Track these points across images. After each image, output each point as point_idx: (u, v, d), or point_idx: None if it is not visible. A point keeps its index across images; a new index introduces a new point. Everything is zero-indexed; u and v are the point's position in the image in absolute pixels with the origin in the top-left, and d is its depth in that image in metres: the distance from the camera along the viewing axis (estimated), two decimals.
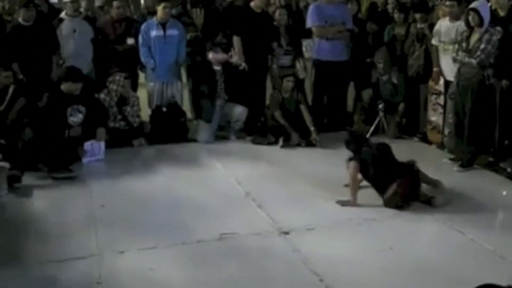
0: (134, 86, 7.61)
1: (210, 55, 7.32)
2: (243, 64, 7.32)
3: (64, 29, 7.20)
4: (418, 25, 7.20)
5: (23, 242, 4.39)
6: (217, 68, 7.33)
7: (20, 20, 6.88)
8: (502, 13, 6.29)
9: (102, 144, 6.40)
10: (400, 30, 7.66)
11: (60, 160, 5.95)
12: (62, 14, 7.38)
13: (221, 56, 7.33)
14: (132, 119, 7.01)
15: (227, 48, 7.49)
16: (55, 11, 7.94)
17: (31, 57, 6.81)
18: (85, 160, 6.28)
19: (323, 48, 7.53)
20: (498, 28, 5.98)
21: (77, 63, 6.80)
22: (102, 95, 6.87)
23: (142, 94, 7.60)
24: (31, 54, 6.80)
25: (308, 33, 7.68)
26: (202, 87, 7.31)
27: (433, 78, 6.97)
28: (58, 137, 6.20)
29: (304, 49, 7.77)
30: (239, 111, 7.36)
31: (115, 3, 7.57)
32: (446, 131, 6.69)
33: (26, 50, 6.77)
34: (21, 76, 6.69)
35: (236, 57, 7.34)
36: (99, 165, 6.28)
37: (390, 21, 7.88)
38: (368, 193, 5.34)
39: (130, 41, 7.48)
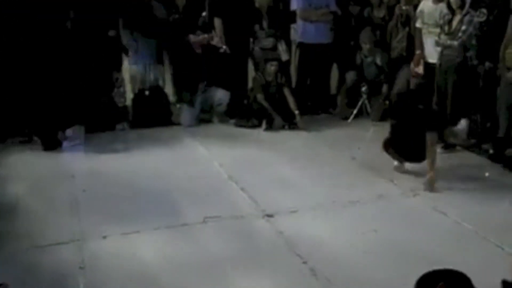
0: (119, 70, 7.50)
1: (191, 38, 7.26)
2: (224, 47, 7.28)
3: None
4: (403, 7, 7.18)
5: (4, 227, 4.34)
6: (198, 51, 7.27)
7: None
8: None
9: (82, 128, 6.35)
10: (377, 13, 7.64)
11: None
12: None
13: (201, 38, 7.27)
14: (118, 99, 6.96)
15: (208, 30, 7.44)
16: None
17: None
18: (65, 144, 6.22)
19: (308, 30, 7.50)
20: (484, 10, 6.00)
21: None
22: None
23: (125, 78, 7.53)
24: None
25: (292, 16, 7.64)
26: (183, 70, 7.25)
27: (414, 61, 6.97)
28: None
29: (292, 32, 7.75)
30: (221, 95, 7.32)
31: None
32: None
33: None
34: None
35: (217, 39, 7.29)
36: (81, 150, 6.22)
37: (369, 2, 7.85)
38: (353, 175, 5.37)
39: (111, 33, 7.31)
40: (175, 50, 7.53)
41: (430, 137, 5.07)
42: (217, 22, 7.35)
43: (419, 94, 5.50)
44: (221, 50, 7.28)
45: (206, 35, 7.30)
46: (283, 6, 7.91)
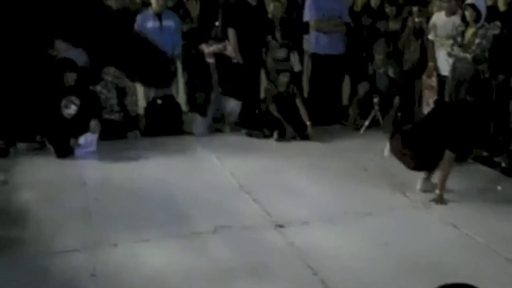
0: (133, 79, 7.54)
1: (204, 49, 7.30)
2: (236, 56, 7.30)
3: None
4: (416, 19, 7.19)
5: (16, 234, 4.36)
6: (210, 61, 7.31)
7: None
8: (502, 8, 6.29)
9: (95, 136, 6.38)
10: (393, 25, 7.66)
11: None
12: None
13: (214, 47, 7.31)
14: (130, 108, 7.00)
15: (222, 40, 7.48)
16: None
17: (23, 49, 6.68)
18: (78, 152, 6.25)
19: (321, 41, 7.53)
20: (498, 23, 6.01)
21: (72, 55, 6.73)
22: (98, 87, 6.85)
23: (137, 86, 7.56)
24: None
25: (305, 27, 7.67)
26: (196, 80, 7.29)
27: (427, 72, 6.98)
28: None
29: (305, 43, 7.78)
30: (233, 105, 7.35)
31: None
32: None
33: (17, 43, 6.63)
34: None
35: (230, 48, 7.32)
36: (93, 157, 6.25)
37: (385, 15, 7.87)
38: (365, 187, 5.36)
39: None
40: (189, 59, 7.57)
41: (449, 155, 4.95)
42: (231, 32, 7.38)
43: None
44: (234, 60, 7.31)
45: (220, 45, 7.34)
46: (296, 17, 7.94)
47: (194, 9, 7.98)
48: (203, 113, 7.24)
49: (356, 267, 3.92)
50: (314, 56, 7.66)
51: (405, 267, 3.91)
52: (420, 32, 7.14)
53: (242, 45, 7.37)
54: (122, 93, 6.97)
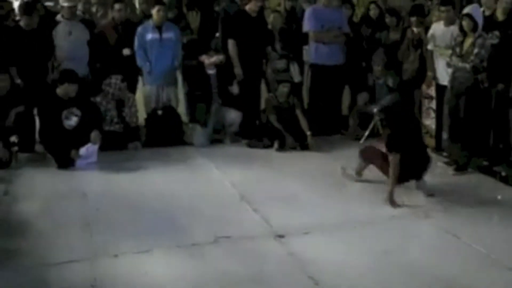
0: (133, 90, 7.58)
1: (205, 60, 7.34)
2: (237, 69, 7.34)
3: (60, 31, 7.15)
4: (415, 30, 7.21)
5: (16, 244, 4.37)
6: (211, 72, 7.34)
7: (21, 24, 6.82)
8: (501, 18, 6.32)
9: (96, 147, 6.39)
10: (393, 35, 7.69)
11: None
12: (58, 17, 7.36)
13: (215, 58, 7.35)
14: (130, 119, 7.03)
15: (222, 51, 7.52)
16: (51, 14, 7.90)
17: (29, 62, 6.72)
18: (78, 163, 6.26)
19: (320, 52, 7.55)
20: (496, 32, 6.04)
21: (72, 66, 6.77)
22: (98, 99, 6.88)
23: (138, 97, 7.59)
24: (29, 58, 6.71)
25: (304, 37, 7.70)
26: (196, 91, 7.32)
27: (426, 82, 7.00)
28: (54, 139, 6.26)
29: (305, 53, 7.81)
30: (233, 116, 7.38)
31: (116, 6, 7.43)
32: (445, 136, 6.69)
33: (24, 55, 6.69)
34: (18, 81, 6.63)
35: (221, 57, 7.40)
36: (94, 168, 6.27)
37: (384, 25, 7.90)
38: (365, 195, 5.36)
39: (126, 51, 7.37)
40: (189, 70, 7.60)
41: (393, 157, 5.12)
42: (231, 43, 7.41)
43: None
44: (238, 79, 7.37)
45: (220, 56, 7.37)
46: (296, 28, 7.97)
47: (195, 20, 8.04)
48: (203, 124, 7.26)
49: (356, 276, 3.91)
50: (314, 67, 7.69)
51: (406, 276, 3.91)
52: (419, 43, 7.16)
53: (242, 56, 7.40)
54: (120, 104, 6.99)
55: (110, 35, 7.45)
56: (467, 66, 5.89)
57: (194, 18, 8.05)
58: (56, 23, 7.24)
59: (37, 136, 6.54)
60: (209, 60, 7.36)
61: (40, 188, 5.66)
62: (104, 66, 7.36)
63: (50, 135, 6.32)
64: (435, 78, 6.81)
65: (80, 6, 7.74)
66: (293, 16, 8.29)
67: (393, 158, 5.13)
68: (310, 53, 7.67)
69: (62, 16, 7.29)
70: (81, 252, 4.20)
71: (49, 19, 7.48)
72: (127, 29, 7.48)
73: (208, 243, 4.39)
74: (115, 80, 6.93)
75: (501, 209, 5.25)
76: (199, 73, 7.38)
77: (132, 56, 7.37)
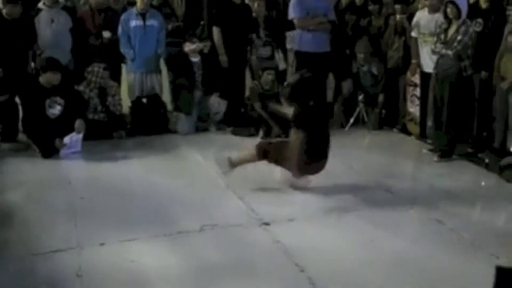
0: (117, 79, 7.51)
1: (186, 47, 7.30)
2: (221, 57, 7.31)
3: (42, 19, 7.04)
4: (398, 17, 7.22)
5: (0, 235, 4.33)
6: (194, 59, 7.31)
7: (3, 13, 6.70)
8: (484, 6, 6.34)
9: (80, 136, 6.35)
10: (376, 22, 7.69)
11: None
12: (40, 4, 7.26)
13: (195, 46, 7.30)
14: (114, 108, 6.98)
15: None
16: (32, 1, 7.79)
17: (10, 51, 6.60)
18: (62, 152, 6.22)
19: (305, 39, 7.50)
20: (480, 20, 6.06)
21: (55, 54, 6.68)
22: (81, 87, 6.82)
23: (122, 85, 7.54)
24: (10, 47, 6.60)
25: (289, 25, 7.68)
26: (180, 79, 7.29)
27: (411, 70, 7.02)
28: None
29: (288, 40, 7.77)
30: (218, 103, 7.36)
31: None
32: (429, 123, 6.73)
33: (5, 43, 6.57)
34: None
35: (200, 45, 7.36)
36: (78, 157, 6.23)
37: (368, 12, 7.90)
38: (350, 184, 5.38)
39: (106, 34, 7.28)
40: (173, 58, 7.56)
41: (299, 134, 5.05)
42: (216, 31, 7.38)
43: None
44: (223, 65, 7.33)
45: (201, 44, 7.32)
46: (280, 15, 7.95)
47: (179, 8, 7.99)
48: (187, 112, 7.23)
49: (343, 263, 3.93)
50: (299, 54, 7.67)
51: (390, 263, 3.94)
52: (403, 30, 7.17)
53: (227, 44, 7.38)
54: (103, 93, 6.94)
55: (88, 22, 7.35)
56: (450, 52, 5.91)
57: (178, 6, 8.00)
58: (38, 10, 7.15)
59: (20, 125, 6.50)
60: (189, 47, 7.30)
61: (24, 177, 5.62)
62: (85, 54, 7.27)
63: (33, 124, 6.26)
64: (419, 65, 6.84)
65: None
66: (274, 3, 8.26)
67: (298, 135, 5.04)
68: (295, 40, 7.65)
69: (44, 3, 7.19)
70: (66, 241, 4.18)
71: (31, 7, 7.38)
72: (106, 16, 7.40)
73: (194, 231, 4.38)
74: (98, 68, 6.88)
75: (484, 196, 5.30)
76: (183, 61, 7.34)
77: (115, 43, 7.30)
